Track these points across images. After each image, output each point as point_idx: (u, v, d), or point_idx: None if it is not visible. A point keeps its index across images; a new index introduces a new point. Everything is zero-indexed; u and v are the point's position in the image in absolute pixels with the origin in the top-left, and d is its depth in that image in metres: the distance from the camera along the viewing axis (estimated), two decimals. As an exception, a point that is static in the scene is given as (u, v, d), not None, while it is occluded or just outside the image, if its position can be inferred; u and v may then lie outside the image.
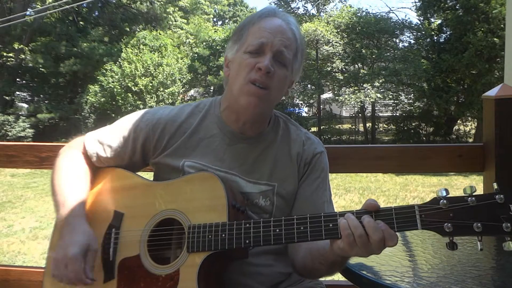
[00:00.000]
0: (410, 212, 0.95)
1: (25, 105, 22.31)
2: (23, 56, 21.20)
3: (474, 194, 0.93)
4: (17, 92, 22.07)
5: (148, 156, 1.36)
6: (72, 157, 1.37)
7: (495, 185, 0.93)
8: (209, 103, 1.39)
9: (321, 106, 22.53)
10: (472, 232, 0.91)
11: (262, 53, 1.23)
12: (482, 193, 0.93)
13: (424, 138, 19.09)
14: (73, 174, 1.34)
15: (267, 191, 1.28)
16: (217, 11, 30.29)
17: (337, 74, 18.61)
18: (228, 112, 1.32)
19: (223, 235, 1.10)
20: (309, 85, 20.16)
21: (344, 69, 19.07)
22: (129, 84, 18.16)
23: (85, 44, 20.68)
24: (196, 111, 1.37)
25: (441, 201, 0.94)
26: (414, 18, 41.32)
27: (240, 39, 1.28)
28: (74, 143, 1.41)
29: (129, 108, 18.18)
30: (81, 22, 23.24)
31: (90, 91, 19.51)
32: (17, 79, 21.88)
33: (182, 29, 24.74)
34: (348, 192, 9.55)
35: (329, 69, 19.18)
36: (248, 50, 1.24)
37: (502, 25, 14.83)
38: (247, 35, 1.27)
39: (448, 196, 0.94)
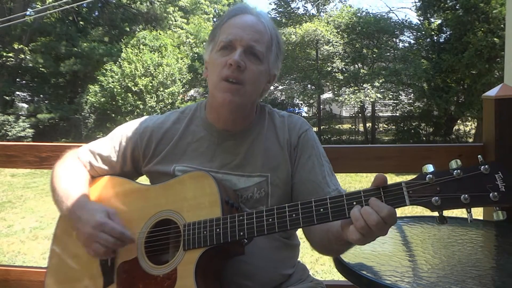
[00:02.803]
0: (398, 190, 0.96)
1: (25, 105, 22.30)
2: (23, 56, 21.19)
3: (459, 167, 0.93)
4: (17, 92, 22.05)
5: (139, 165, 1.38)
6: (69, 162, 1.39)
7: (480, 157, 0.94)
8: (195, 107, 1.41)
9: (321, 106, 22.53)
10: (460, 204, 0.92)
11: (233, 49, 1.24)
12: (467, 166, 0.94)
13: (424, 138, 19.08)
14: (71, 174, 1.35)
15: (261, 182, 1.28)
16: (217, 11, 30.26)
17: (337, 74, 18.60)
18: (211, 112, 1.34)
19: (218, 230, 1.11)
20: (309, 85, 20.15)
21: (344, 69, 19.06)
22: (129, 84, 18.14)
23: (85, 44, 20.66)
24: (182, 116, 1.39)
25: (428, 176, 0.94)
26: (414, 18, 41.30)
27: (213, 39, 1.30)
28: (68, 154, 1.43)
29: (129, 108, 18.17)
30: (81, 22, 23.22)
31: (90, 91, 19.49)
32: (17, 79, 21.86)
33: (182, 29, 24.71)
34: (348, 192, 9.54)
35: (329, 69, 19.16)
36: (220, 48, 1.25)
37: (502, 25, 14.81)
38: (219, 35, 1.28)
39: (434, 171, 0.95)
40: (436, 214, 0.96)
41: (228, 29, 1.26)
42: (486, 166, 0.91)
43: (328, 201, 1.02)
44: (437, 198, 0.93)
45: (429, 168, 0.96)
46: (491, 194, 0.89)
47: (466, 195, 0.91)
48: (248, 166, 1.29)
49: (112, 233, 1.15)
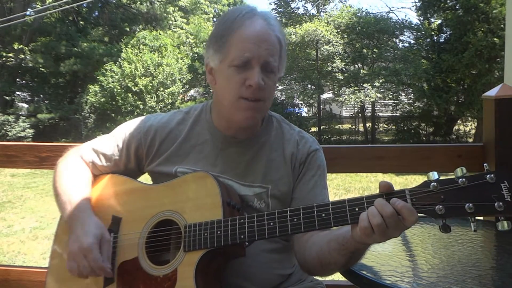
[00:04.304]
0: (401, 197, 0.95)
1: (25, 105, 22.30)
2: (23, 56, 21.19)
3: (465, 175, 0.92)
4: (17, 92, 22.06)
5: (142, 164, 1.38)
6: (71, 162, 1.39)
7: (485, 166, 0.93)
8: (200, 109, 1.39)
9: (321, 106, 22.52)
10: (464, 213, 0.90)
11: (249, 66, 1.18)
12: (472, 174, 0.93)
13: (424, 138, 19.08)
14: (74, 175, 1.35)
15: (261, 193, 1.27)
16: (217, 11, 30.26)
17: (337, 74, 18.60)
18: (219, 119, 1.32)
19: (219, 232, 1.11)
20: (309, 85, 20.15)
21: (344, 69, 19.07)
22: (129, 84, 18.13)
23: (85, 44, 20.66)
24: (186, 117, 1.37)
25: (432, 184, 0.93)
26: (414, 18, 41.32)
27: (222, 48, 1.21)
28: (71, 152, 1.42)
29: (129, 108, 18.16)
30: (81, 22, 23.22)
31: (90, 91, 19.49)
32: (17, 79, 21.86)
33: (182, 29, 24.71)
34: (348, 192, 9.55)
35: (329, 69, 19.17)
36: (234, 64, 1.19)
37: (502, 25, 14.82)
38: (230, 46, 1.20)
39: (439, 178, 0.94)
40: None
41: (242, 44, 1.18)
42: (492, 175, 0.89)
43: (330, 207, 1.01)
44: (441, 206, 0.91)
45: (434, 175, 0.94)
46: (496, 204, 0.88)
47: (471, 204, 0.89)
48: (249, 176, 1.28)
49: (92, 264, 1.14)
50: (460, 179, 0.91)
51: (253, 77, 1.17)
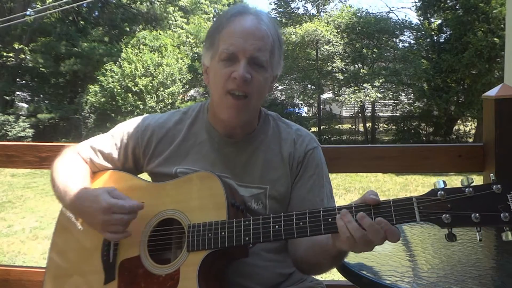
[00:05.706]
0: (408, 205, 0.96)
1: (25, 105, 22.30)
2: (23, 56, 21.20)
3: (471, 185, 0.92)
4: (17, 92, 22.07)
5: (139, 163, 1.38)
6: (69, 158, 1.38)
7: (492, 176, 0.93)
8: (198, 109, 1.39)
9: (321, 106, 22.51)
10: (470, 222, 0.91)
11: (236, 60, 1.19)
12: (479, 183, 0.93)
13: (424, 138, 19.07)
14: (72, 168, 1.34)
15: (259, 194, 1.27)
16: (217, 11, 30.24)
17: (337, 74, 18.59)
18: (215, 118, 1.32)
19: (223, 233, 1.10)
20: (309, 85, 20.14)
21: (344, 69, 19.05)
22: (129, 84, 18.13)
23: (85, 44, 20.66)
24: (184, 117, 1.38)
25: (439, 192, 0.94)
26: (414, 18, 41.25)
27: (213, 45, 1.24)
28: (68, 150, 1.42)
29: (129, 108, 18.16)
30: (81, 22, 23.22)
31: (90, 91, 19.49)
32: (17, 79, 21.87)
33: (182, 29, 24.71)
34: (348, 192, 9.54)
35: (329, 69, 19.17)
36: (222, 58, 1.20)
37: (502, 25, 14.80)
38: (219, 41, 1.21)
39: (446, 187, 0.94)
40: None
41: (229, 38, 1.19)
42: (499, 185, 0.90)
43: (337, 211, 1.02)
44: (447, 215, 0.92)
45: (440, 184, 0.95)
46: (502, 215, 0.88)
47: (477, 214, 0.90)
48: (247, 177, 1.28)
49: (123, 211, 1.14)
50: (467, 189, 0.92)
51: (237, 69, 1.17)
